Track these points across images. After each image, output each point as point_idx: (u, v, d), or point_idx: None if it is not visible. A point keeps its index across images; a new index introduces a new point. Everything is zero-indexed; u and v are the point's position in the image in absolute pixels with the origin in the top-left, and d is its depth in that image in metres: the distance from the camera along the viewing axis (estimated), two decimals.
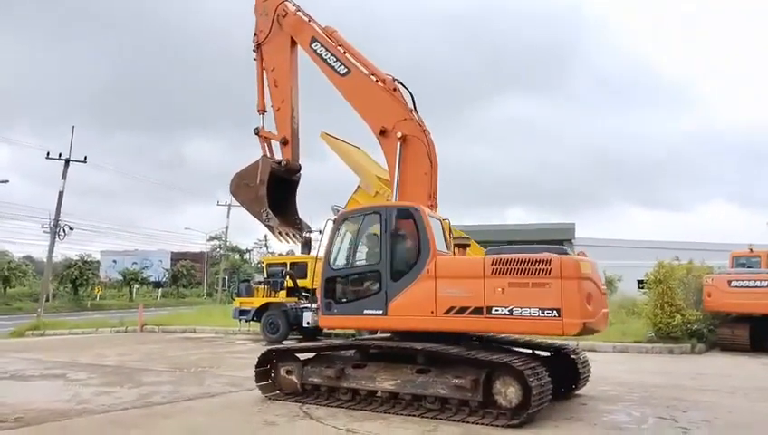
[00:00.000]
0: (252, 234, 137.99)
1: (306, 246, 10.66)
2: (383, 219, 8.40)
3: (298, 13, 10.97)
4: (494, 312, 7.48)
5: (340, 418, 7.59)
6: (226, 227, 60.72)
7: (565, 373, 8.88)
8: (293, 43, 10.85)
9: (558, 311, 7.16)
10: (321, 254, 8.83)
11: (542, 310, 7.24)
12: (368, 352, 8.60)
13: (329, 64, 10.22)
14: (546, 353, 8.99)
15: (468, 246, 8.89)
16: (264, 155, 10.72)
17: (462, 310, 7.67)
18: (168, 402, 8.68)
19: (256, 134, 10.92)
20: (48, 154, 32.52)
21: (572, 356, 9.00)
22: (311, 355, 9.02)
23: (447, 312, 7.76)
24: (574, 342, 13.76)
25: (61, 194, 32.35)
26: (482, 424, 7.11)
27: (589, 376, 9.26)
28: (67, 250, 57.07)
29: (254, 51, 11.19)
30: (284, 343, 17.02)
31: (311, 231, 10.78)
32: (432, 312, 7.84)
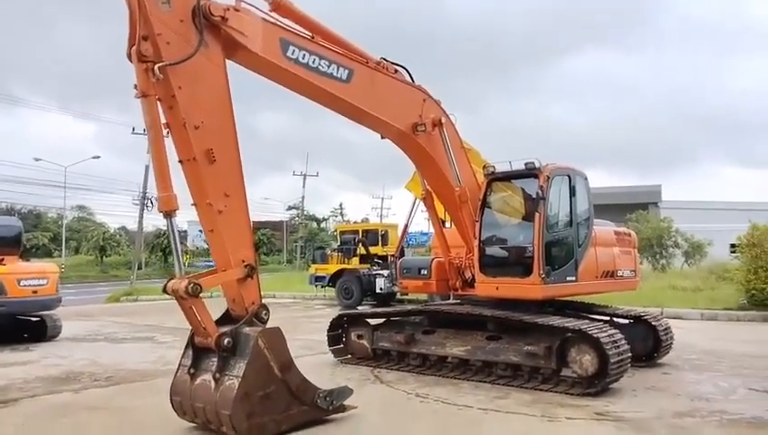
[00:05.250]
0: (328, 202, 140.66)
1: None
2: (571, 183, 8.00)
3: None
4: (617, 275, 8.77)
5: (410, 382, 7.62)
6: (302, 197, 62.11)
7: (645, 341, 8.50)
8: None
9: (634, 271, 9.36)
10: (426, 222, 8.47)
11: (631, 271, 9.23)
12: (437, 318, 8.53)
13: (322, 73, 6.50)
14: (624, 320, 8.62)
15: None
16: (262, 330, 5.84)
17: (607, 274, 8.56)
18: None
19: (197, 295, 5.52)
20: (134, 129, 34.27)
21: (653, 323, 8.57)
22: (381, 321, 9.06)
23: (603, 276, 8.45)
24: (657, 308, 13.15)
25: (147, 168, 33.98)
26: (555, 392, 6.92)
27: (671, 344, 8.80)
28: (157, 221, 60.34)
29: (138, 88, 5.13)
30: (359, 308, 17.27)
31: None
32: (596, 277, 8.31)
